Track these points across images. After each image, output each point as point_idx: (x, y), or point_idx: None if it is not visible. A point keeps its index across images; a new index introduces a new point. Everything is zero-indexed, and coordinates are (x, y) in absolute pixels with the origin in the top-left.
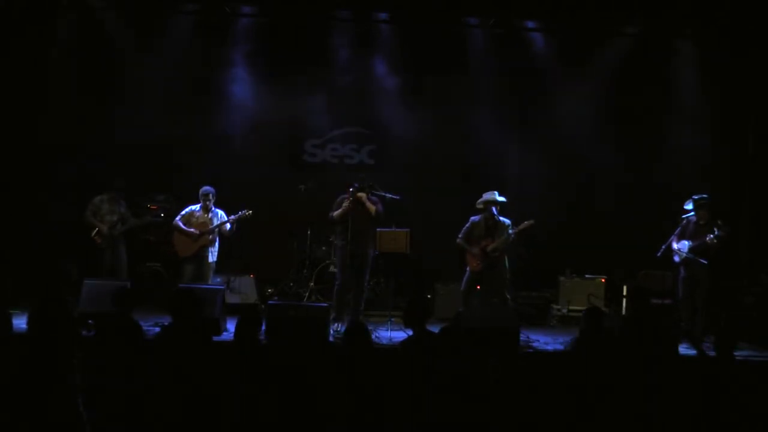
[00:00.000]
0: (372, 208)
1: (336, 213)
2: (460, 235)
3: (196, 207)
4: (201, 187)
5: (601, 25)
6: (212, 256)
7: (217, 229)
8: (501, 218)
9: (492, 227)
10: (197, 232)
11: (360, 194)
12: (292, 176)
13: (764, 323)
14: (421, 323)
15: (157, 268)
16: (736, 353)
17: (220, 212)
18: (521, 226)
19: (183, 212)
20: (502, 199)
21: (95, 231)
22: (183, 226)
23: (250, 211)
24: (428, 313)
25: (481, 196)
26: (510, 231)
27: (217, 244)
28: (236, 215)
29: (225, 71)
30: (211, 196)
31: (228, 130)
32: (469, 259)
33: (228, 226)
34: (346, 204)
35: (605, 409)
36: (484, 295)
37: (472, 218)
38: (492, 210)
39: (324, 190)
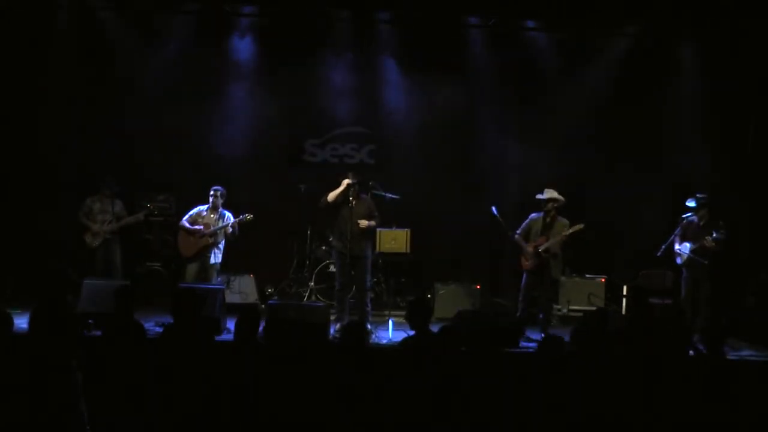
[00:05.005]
0: (365, 224)
1: (329, 195)
2: (518, 231)
3: (204, 207)
4: (211, 187)
5: (601, 25)
6: (215, 257)
7: (219, 231)
8: (560, 218)
9: (549, 225)
10: (201, 229)
11: (362, 221)
12: (292, 176)
13: (764, 323)
14: (424, 324)
15: (157, 268)
16: (737, 353)
17: (228, 214)
18: (573, 229)
19: (190, 212)
20: (559, 197)
21: (86, 232)
22: (188, 226)
23: (251, 216)
24: (430, 313)
25: (542, 192)
26: (563, 233)
27: (222, 245)
28: (237, 219)
29: (225, 71)
30: (219, 194)
31: (228, 130)
32: (521, 258)
33: (230, 229)
34: (345, 182)
35: (606, 409)
36: (485, 294)
37: (532, 215)
38: (553, 207)
39: (324, 190)
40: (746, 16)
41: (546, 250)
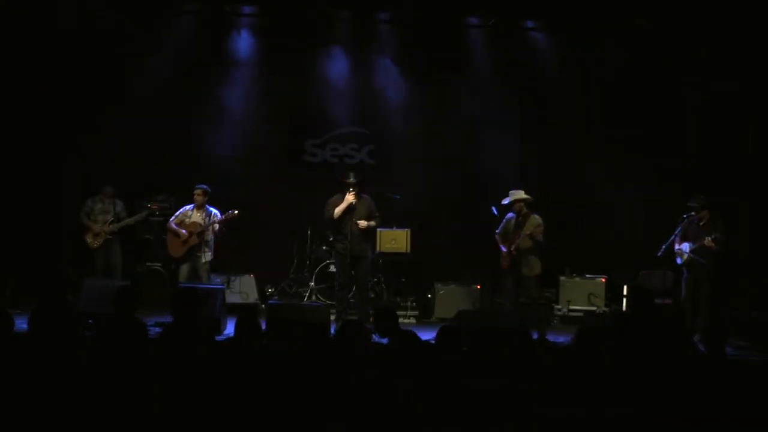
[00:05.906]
0: (364, 225)
1: (335, 211)
2: (497, 231)
3: (189, 207)
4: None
5: (601, 25)
6: (205, 256)
7: (208, 230)
8: (533, 215)
9: (521, 224)
10: (186, 233)
11: (362, 221)
12: (292, 176)
13: (764, 323)
14: (392, 329)
15: (157, 268)
16: (737, 353)
17: (215, 211)
18: (530, 230)
19: (177, 213)
20: (526, 197)
21: (88, 232)
22: (174, 227)
23: (237, 212)
24: (395, 317)
25: (508, 195)
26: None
27: (212, 243)
28: (222, 216)
29: (225, 71)
30: (201, 192)
31: (227, 130)
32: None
33: (216, 226)
34: (349, 198)
35: (606, 409)
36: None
37: (508, 215)
38: (520, 207)
39: (324, 190)
40: (746, 16)
41: (517, 248)
